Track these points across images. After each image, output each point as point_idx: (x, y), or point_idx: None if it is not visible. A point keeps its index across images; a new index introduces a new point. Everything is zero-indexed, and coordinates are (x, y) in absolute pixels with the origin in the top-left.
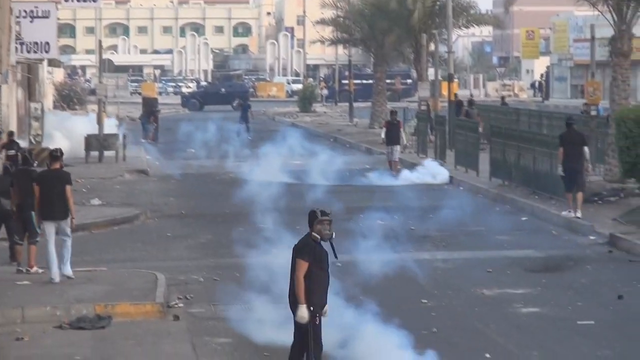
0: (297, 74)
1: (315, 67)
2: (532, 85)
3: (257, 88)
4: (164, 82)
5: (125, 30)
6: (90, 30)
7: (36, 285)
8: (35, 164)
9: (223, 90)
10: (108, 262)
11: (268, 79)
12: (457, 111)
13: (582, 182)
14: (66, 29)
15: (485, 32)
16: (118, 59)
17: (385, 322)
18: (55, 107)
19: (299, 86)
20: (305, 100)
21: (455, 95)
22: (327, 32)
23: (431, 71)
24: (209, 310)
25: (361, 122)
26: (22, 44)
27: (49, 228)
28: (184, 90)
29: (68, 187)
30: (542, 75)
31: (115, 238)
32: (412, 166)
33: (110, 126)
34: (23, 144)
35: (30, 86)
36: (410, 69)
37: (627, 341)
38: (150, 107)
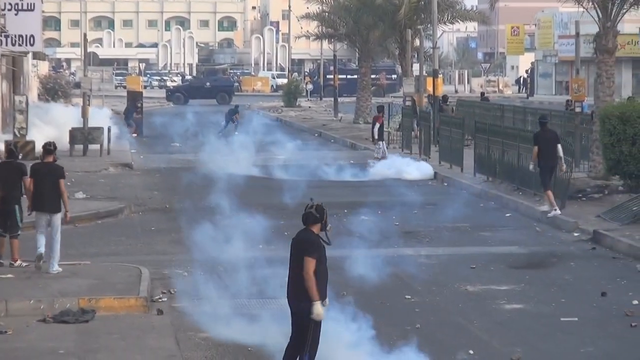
0: (282, 69)
1: (300, 62)
2: (517, 82)
3: (242, 82)
4: (149, 75)
5: (111, 24)
6: (75, 23)
7: (20, 279)
8: (19, 157)
9: (208, 84)
10: (92, 256)
11: (253, 73)
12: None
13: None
14: (51, 22)
15: (470, 28)
16: (103, 52)
17: (367, 318)
18: (40, 100)
19: (284, 81)
20: (290, 94)
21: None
22: (312, 26)
23: (416, 67)
24: (192, 305)
25: (346, 117)
26: (6, 36)
27: (40, 220)
28: (169, 84)
29: (61, 181)
30: (526, 72)
31: (99, 232)
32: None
33: (104, 117)
34: (7, 137)
35: (14, 79)
36: (395, 64)
37: (610, 338)
38: (135, 101)
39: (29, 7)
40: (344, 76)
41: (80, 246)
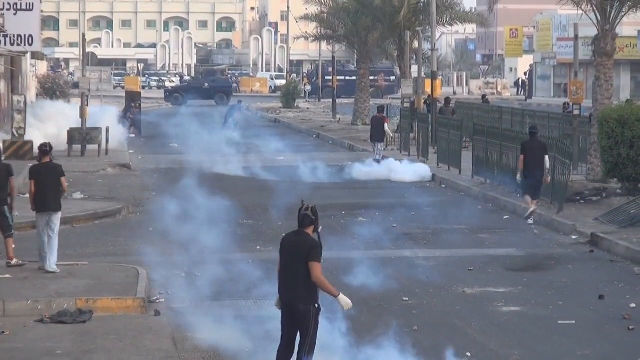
0: (281, 70)
1: (299, 63)
2: (516, 84)
3: (240, 83)
4: (147, 76)
5: (109, 24)
6: (74, 23)
7: (17, 279)
8: (2, 158)
9: (206, 85)
10: (90, 256)
11: (251, 74)
12: (429, 109)
13: (540, 191)
14: (50, 22)
15: (469, 29)
16: (101, 52)
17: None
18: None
19: (282, 82)
20: (289, 96)
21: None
22: (311, 28)
23: (415, 68)
24: (190, 306)
25: (344, 119)
26: (5, 36)
27: (41, 221)
28: (167, 84)
29: (63, 179)
30: (525, 74)
31: (97, 232)
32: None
33: (112, 115)
34: (5, 137)
35: (13, 79)
36: (393, 66)
37: (607, 341)
38: (133, 101)
39: (28, 7)
40: (342, 77)
41: (78, 247)
